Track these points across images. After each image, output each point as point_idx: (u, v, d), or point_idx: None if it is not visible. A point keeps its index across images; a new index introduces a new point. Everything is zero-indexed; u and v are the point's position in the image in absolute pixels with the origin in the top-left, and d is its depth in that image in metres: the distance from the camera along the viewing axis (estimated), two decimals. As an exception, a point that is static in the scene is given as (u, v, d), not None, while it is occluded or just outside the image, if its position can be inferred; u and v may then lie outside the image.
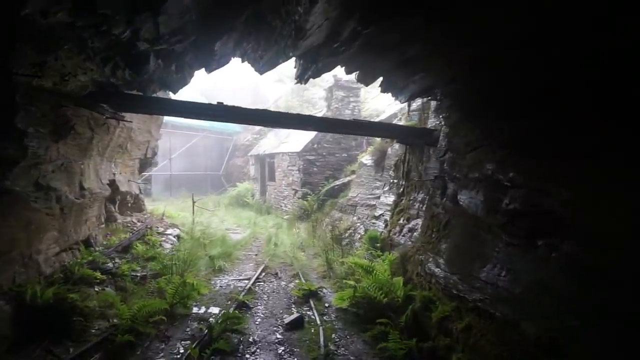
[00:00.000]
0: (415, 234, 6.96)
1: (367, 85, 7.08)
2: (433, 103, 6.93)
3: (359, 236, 9.43)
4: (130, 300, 5.50)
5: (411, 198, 7.70)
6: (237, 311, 5.67)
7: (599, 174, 3.08)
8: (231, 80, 28.09)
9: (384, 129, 7.28)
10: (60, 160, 6.06)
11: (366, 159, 11.43)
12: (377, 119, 16.05)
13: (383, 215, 8.82)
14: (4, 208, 4.76)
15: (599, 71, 3.02)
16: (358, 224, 10.01)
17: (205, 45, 4.34)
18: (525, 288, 3.80)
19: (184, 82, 6.57)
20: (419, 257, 6.03)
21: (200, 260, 8.02)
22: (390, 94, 7.23)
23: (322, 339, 5.00)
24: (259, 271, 7.83)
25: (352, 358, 4.70)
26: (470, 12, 3.51)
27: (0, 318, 4.28)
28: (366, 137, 14.93)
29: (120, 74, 4.76)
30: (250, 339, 4.99)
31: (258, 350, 4.72)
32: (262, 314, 5.84)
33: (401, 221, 7.71)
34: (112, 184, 8.70)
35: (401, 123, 9.70)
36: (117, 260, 6.99)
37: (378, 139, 11.34)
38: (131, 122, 7.93)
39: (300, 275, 7.61)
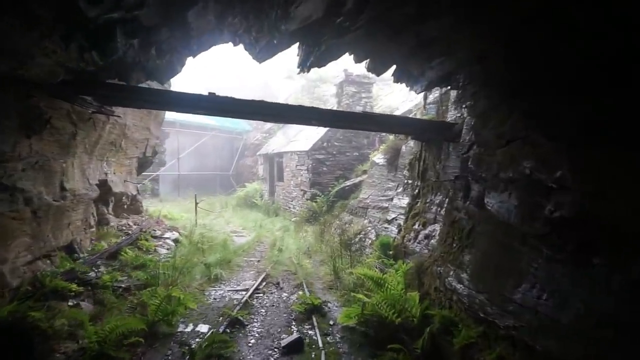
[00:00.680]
0: (432, 241, 6.17)
1: (378, 74, 6.32)
2: (453, 93, 6.13)
3: (370, 241, 8.66)
4: (108, 316, 4.84)
5: (427, 201, 6.91)
6: (228, 330, 4.97)
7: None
8: (240, 79, 27.56)
9: (397, 124, 6.50)
10: (34, 158, 5.44)
11: (378, 157, 10.65)
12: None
13: (396, 219, 8.03)
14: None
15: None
16: (369, 228, 9.24)
17: (176, 15, 3.63)
18: (576, 317, 3.01)
19: (172, 71, 5.89)
20: (437, 268, 5.25)
21: (196, 268, 7.35)
22: (404, 84, 6.45)
23: (323, 367, 4.26)
24: (259, 280, 7.13)
25: (358, 392, 3.95)
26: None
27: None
28: (378, 135, 14.16)
29: (88, 57, 4.09)
30: (240, 366, 4.28)
31: (247, 381, 4.01)
32: (257, 333, 5.12)
33: (416, 226, 6.93)
34: (104, 184, 8.09)
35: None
36: (101, 268, 6.36)
37: (391, 136, 10.56)
38: (119, 116, 7.29)
39: (304, 286, 6.88)
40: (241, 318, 5.36)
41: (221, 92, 5.85)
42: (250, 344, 4.79)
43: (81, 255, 6.53)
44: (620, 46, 2.48)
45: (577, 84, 2.87)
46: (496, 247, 4.14)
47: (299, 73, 6.32)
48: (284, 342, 4.74)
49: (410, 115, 10.79)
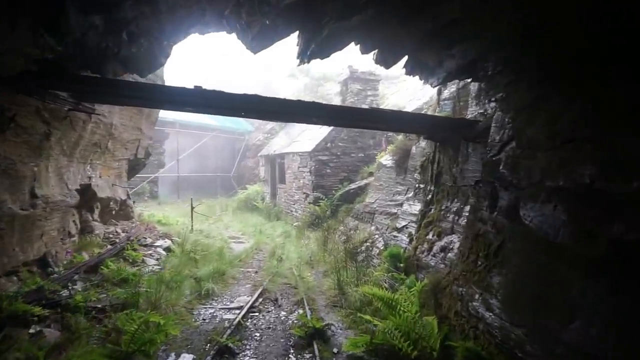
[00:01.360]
0: (450, 254, 5.44)
1: (387, 67, 5.62)
2: (473, 87, 5.40)
3: (378, 251, 7.92)
4: (75, 347, 4.14)
5: (442, 208, 6.18)
6: (215, 362, 4.26)
7: None
8: (242, 78, 26.90)
9: (409, 121, 5.78)
10: (-5, 161, 4.77)
11: (386, 159, 9.92)
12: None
13: (407, 227, 7.30)
14: None
15: None
16: (376, 236, 8.50)
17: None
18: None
19: (154, 62, 5.20)
20: (459, 289, 4.52)
21: (186, 282, 6.65)
22: (417, 77, 5.74)
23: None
24: (255, 296, 6.41)
25: None
26: None
27: None
28: (385, 135, 13.43)
29: (42, 42, 3.41)
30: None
31: None
32: (250, 364, 4.42)
33: (430, 236, 6.19)
34: (87, 189, 7.42)
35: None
36: (77, 285, 5.68)
37: (400, 136, 9.83)
38: (100, 114, 6.61)
39: (305, 303, 6.16)
40: (232, 345, 4.65)
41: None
42: (240, 380, 4.08)
43: (56, 269, 5.85)
44: None
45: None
46: (535, 270, 3.40)
47: (299, 64, 5.63)
48: (279, 379, 4.03)
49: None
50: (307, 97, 22.39)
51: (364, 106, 13.30)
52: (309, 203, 12.92)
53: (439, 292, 4.95)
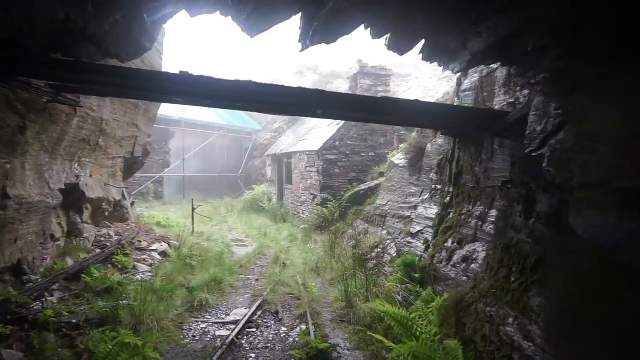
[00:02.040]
0: (473, 266, 4.74)
1: (402, 53, 4.96)
2: (501, 74, 4.70)
3: (390, 258, 7.25)
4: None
5: (463, 212, 5.49)
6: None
7: None
8: (248, 75, 26.35)
9: (429, 113, 5.01)
10: (-45, 157, 4.21)
11: (398, 158, 9.23)
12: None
13: (422, 233, 6.61)
14: None
15: None
16: (388, 241, 7.82)
17: None
18: None
19: (136, 45, 4.61)
20: (487, 309, 3.84)
21: (178, 292, 6.06)
22: (436, 64, 5.07)
23: None
24: (253, 308, 5.79)
25: None
26: None
27: None
28: (397, 133, 12.74)
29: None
30: None
31: None
32: (241, 394, 3.79)
33: (449, 244, 5.50)
34: (74, 188, 6.87)
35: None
36: (54, 296, 5.10)
37: (414, 133, 9.14)
38: (83, 106, 6.05)
39: (309, 317, 5.51)
40: (222, 370, 4.03)
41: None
42: (227, 416, 3.45)
43: (33, 277, 5.29)
44: None
45: None
46: (589, 293, 2.71)
47: (301, 50, 4.99)
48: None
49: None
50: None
51: (375, 102, 12.65)
52: (317, 204, 12.28)
53: (462, 310, 4.27)
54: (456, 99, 6.22)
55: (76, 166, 6.93)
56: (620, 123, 2.34)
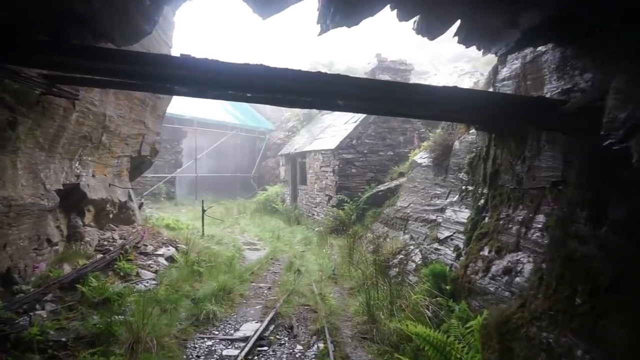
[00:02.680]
0: (518, 279, 4.10)
1: (432, 37, 4.36)
2: (552, 56, 4.05)
3: (414, 266, 6.62)
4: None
5: (502, 216, 4.84)
6: None
7: None
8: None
9: (467, 100, 4.31)
10: None
11: (421, 157, 8.60)
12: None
13: (452, 239, 5.97)
14: None
15: None
16: (412, 247, 7.20)
17: None
18: None
19: (136, 28, 4.10)
20: (542, 334, 3.20)
21: (184, 302, 5.53)
22: (475, 47, 4.45)
23: None
24: (265, 322, 5.22)
25: None
26: None
27: None
28: (417, 131, 12.09)
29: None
30: None
31: None
32: None
33: (486, 252, 4.86)
34: (75, 189, 6.41)
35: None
36: (46, 307, 4.61)
37: (438, 129, 8.49)
38: (80, 99, 5.57)
39: (327, 334, 4.93)
40: (227, 401, 3.47)
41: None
42: None
43: (24, 287, 4.81)
44: None
45: None
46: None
47: (320, 34, 4.41)
48: None
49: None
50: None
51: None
52: (332, 206, 11.69)
53: (509, 333, 3.63)
54: (491, 90, 5.57)
55: (77, 165, 6.47)
56: None
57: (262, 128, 24.58)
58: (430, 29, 4.25)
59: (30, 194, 5.09)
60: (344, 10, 3.82)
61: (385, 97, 4.06)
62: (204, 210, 10.59)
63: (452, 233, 6.01)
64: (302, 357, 4.49)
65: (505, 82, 5.10)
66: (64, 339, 3.96)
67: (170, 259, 7.47)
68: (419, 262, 6.53)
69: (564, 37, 3.49)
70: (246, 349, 4.42)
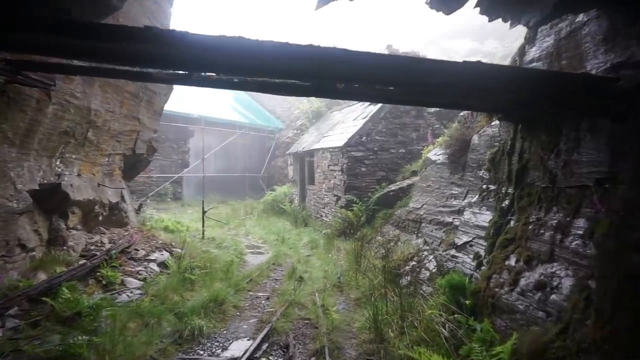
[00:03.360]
0: (555, 297, 3.40)
1: (449, 12, 3.89)
2: (596, 28, 3.34)
3: (428, 274, 5.93)
4: None
5: (531, 220, 4.14)
6: None
7: None
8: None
9: (493, 78, 3.59)
10: None
11: (435, 154, 7.89)
12: (443, 106, 12.41)
13: (471, 245, 5.26)
14: None
15: None
16: (425, 253, 6.50)
17: None
18: None
19: (100, 2, 3.52)
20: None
21: (169, 315, 4.95)
22: (500, 19, 3.75)
23: None
24: (258, 339, 4.60)
25: None
26: None
27: None
28: (431, 127, 11.37)
29: None
30: None
31: None
32: None
33: (512, 262, 4.16)
34: (55, 190, 5.87)
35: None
36: (5, 325, 4.05)
37: (454, 124, 7.78)
38: (53, 89, 5.01)
39: (327, 355, 4.29)
40: None
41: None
42: None
43: (-15, 299, 4.27)
44: None
45: None
46: None
47: (317, 8, 3.85)
48: None
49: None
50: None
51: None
52: (340, 207, 11.02)
53: (545, 364, 2.95)
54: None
55: (58, 163, 5.94)
56: None
57: (271, 127, 24.02)
58: (447, 2, 3.60)
59: (-4, 194, 4.56)
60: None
61: (394, 79, 3.39)
62: (204, 212, 10.03)
63: (471, 238, 5.31)
64: (297, 385, 3.85)
65: (535, 65, 4.38)
66: (17, 364, 3.40)
67: (163, 264, 6.90)
68: (434, 271, 5.84)
69: (612, 1, 2.79)
70: (232, 375, 3.80)
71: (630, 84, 2.67)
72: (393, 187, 10.30)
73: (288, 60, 3.02)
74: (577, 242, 3.43)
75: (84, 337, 3.79)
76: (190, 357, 4.26)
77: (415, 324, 4.59)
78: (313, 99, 21.19)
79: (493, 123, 5.72)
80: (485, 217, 5.18)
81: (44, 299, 4.44)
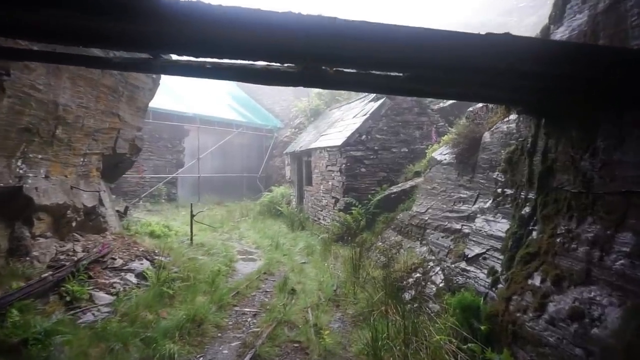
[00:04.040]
0: (597, 331, 2.73)
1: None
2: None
3: (435, 289, 5.27)
4: None
5: (559, 231, 3.48)
6: None
7: None
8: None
9: (520, 54, 2.88)
10: None
11: (441, 153, 7.25)
12: (447, 103, 11.79)
13: (485, 258, 4.60)
14: None
15: None
16: (431, 263, 5.85)
17: None
18: None
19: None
20: None
21: (135, 340, 4.30)
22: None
23: None
24: (237, 370, 3.95)
25: None
26: None
27: None
28: (435, 125, 10.72)
29: None
30: None
31: None
32: None
33: (537, 282, 3.50)
34: (16, 193, 5.23)
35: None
36: None
37: (462, 120, 7.13)
38: (5, 78, 4.38)
39: (317, 391, 3.64)
40: None
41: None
42: None
43: None
44: None
45: None
46: None
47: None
48: None
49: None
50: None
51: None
52: (339, 210, 10.37)
53: None
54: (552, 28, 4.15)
55: (19, 164, 5.29)
56: None
57: (269, 126, 23.39)
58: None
59: None
60: None
61: (403, 59, 2.72)
62: (192, 215, 9.38)
63: (484, 250, 4.65)
64: None
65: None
66: None
67: (141, 275, 6.26)
68: (441, 285, 5.18)
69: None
70: (201, 419, 3.15)
71: None
72: (395, 189, 9.64)
73: (263, 33, 2.37)
74: (622, 261, 2.77)
75: None
76: (155, 393, 3.62)
77: (421, 352, 3.94)
78: (313, 95, 20.56)
79: (508, 118, 5.07)
80: (501, 226, 4.52)
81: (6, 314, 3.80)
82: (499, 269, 4.20)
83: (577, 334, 2.85)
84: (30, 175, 5.53)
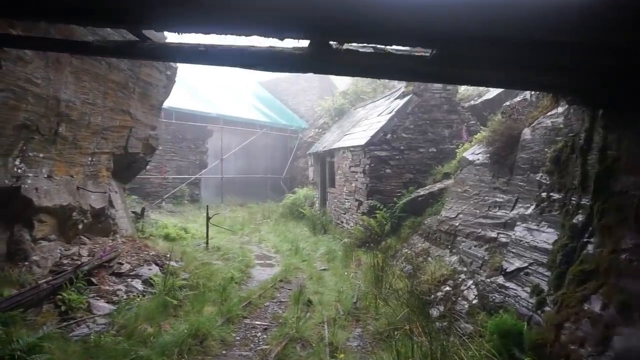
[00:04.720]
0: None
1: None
2: None
3: (467, 306, 4.64)
4: None
5: (624, 246, 2.83)
6: None
7: None
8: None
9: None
10: None
11: (473, 152, 6.58)
12: (479, 101, 11.00)
13: (527, 273, 3.94)
14: None
15: None
16: (463, 276, 5.21)
17: None
18: None
19: None
20: None
21: (133, 356, 3.88)
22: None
23: None
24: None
25: None
26: None
27: None
28: (466, 123, 10.00)
29: None
30: None
31: None
32: None
33: (596, 307, 2.86)
34: (14, 194, 4.93)
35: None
36: None
37: (497, 116, 6.45)
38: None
39: None
40: None
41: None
42: None
43: None
44: None
45: None
46: None
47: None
48: None
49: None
50: (368, 87, 19.14)
51: (436, 86, 10.01)
52: (362, 213, 9.78)
53: None
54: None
55: (17, 163, 4.99)
56: None
57: (294, 126, 22.99)
58: None
59: None
60: None
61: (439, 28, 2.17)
62: (208, 218, 9.01)
63: (526, 264, 3.99)
64: None
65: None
66: None
67: (148, 282, 5.89)
68: (474, 302, 4.55)
69: None
70: None
71: None
72: (422, 191, 8.98)
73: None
74: None
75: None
76: None
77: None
78: (337, 94, 20.07)
79: (554, 111, 4.40)
80: (546, 237, 3.86)
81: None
82: (545, 288, 3.54)
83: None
84: (30, 175, 5.23)
